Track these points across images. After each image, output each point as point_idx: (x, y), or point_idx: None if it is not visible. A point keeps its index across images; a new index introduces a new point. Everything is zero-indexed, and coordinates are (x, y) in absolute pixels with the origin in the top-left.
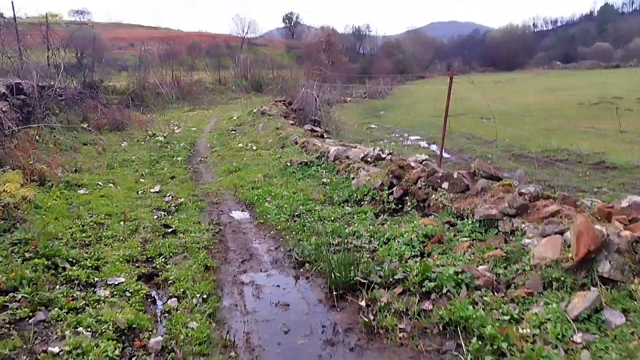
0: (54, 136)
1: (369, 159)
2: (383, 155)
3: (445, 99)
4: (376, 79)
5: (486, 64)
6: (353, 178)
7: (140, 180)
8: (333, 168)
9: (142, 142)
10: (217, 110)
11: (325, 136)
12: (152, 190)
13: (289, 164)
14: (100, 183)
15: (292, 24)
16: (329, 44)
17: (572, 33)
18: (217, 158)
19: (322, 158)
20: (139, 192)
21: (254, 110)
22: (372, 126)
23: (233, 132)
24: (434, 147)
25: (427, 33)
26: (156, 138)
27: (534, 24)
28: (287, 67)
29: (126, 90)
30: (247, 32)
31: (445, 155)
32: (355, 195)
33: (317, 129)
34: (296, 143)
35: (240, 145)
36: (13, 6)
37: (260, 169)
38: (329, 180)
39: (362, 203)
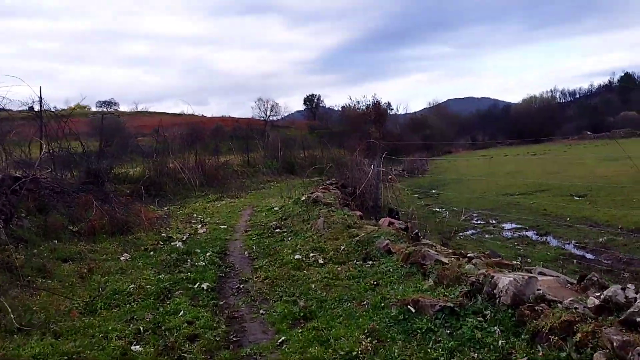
0: (8, 256)
1: (637, 319)
2: None
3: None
4: (410, 154)
5: (512, 137)
6: None
7: (132, 348)
8: (515, 324)
9: (152, 252)
10: (249, 198)
11: (419, 235)
12: None
13: (411, 309)
14: None
15: (314, 106)
16: (378, 114)
17: (594, 103)
18: (265, 283)
19: (479, 296)
20: None
21: (302, 198)
22: (437, 210)
23: (278, 230)
24: (552, 241)
25: (447, 109)
26: (172, 244)
27: (552, 97)
28: (314, 147)
29: (141, 177)
30: (269, 115)
31: (588, 255)
32: None
33: (400, 222)
34: (390, 252)
35: (297, 256)
36: None
37: (352, 316)
38: None
39: None
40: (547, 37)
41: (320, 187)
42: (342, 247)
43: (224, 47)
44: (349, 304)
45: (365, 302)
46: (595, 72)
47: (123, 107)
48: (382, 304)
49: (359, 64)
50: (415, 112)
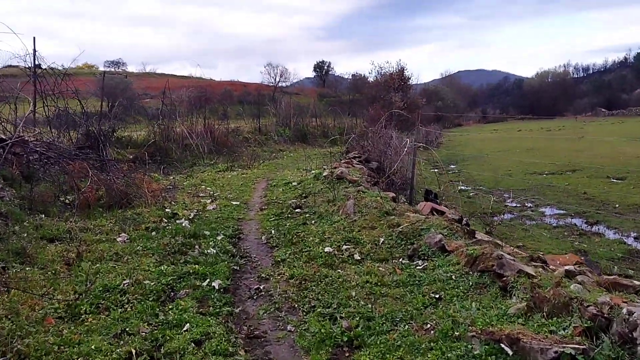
0: None
1: None
2: None
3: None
4: (425, 126)
5: (524, 111)
6: None
7: None
8: None
9: (153, 232)
10: (262, 169)
11: (468, 227)
12: None
13: (506, 349)
14: None
15: (324, 73)
16: (403, 81)
17: (608, 80)
18: (291, 284)
19: (604, 337)
20: None
21: (324, 173)
22: (463, 188)
23: (298, 211)
24: (607, 232)
25: (459, 80)
26: (177, 222)
27: (564, 71)
28: (325, 115)
29: (145, 141)
30: (279, 81)
31: None
32: None
33: (451, 212)
34: (444, 251)
35: (326, 248)
36: None
37: (416, 348)
38: None
39: None
40: (560, 9)
41: (342, 161)
42: (382, 240)
43: (231, 8)
44: (406, 326)
45: (429, 326)
46: (610, 48)
47: (131, 68)
48: (456, 333)
49: (369, 32)
50: (426, 83)
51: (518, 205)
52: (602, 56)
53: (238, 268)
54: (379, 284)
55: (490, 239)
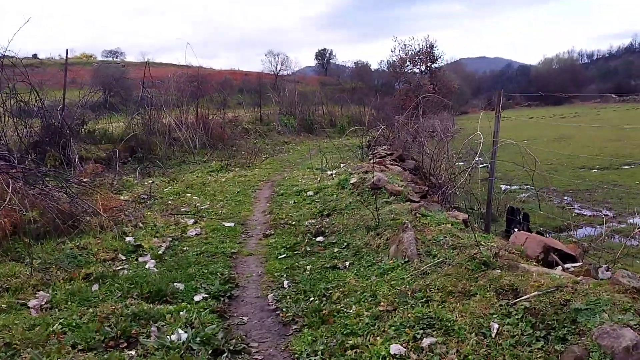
0: None
1: None
2: None
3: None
4: (435, 114)
5: (531, 99)
6: None
7: None
8: None
9: (95, 286)
10: (265, 168)
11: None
12: None
13: None
14: None
15: (325, 61)
16: (432, 61)
17: (615, 66)
18: None
19: None
20: None
21: (351, 180)
22: (506, 188)
23: (321, 240)
24: None
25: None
26: (138, 261)
27: (569, 57)
28: (330, 104)
29: (123, 135)
30: (280, 69)
31: None
32: None
33: (560, 245)
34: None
35: (393, 346)
36: None
37: None
38: None
39: None
40: None
41: (371, 161)
42: (495, 326)
43: (234, 0)
44: None
45: None
46: (614, 34)
47: (130, 58)
48: None
49: (369, 22)
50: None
51: (593, 213)
52: (607, 42)
53: None
54: None
55: None
